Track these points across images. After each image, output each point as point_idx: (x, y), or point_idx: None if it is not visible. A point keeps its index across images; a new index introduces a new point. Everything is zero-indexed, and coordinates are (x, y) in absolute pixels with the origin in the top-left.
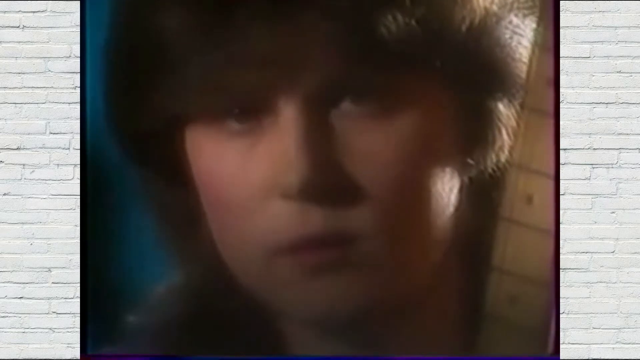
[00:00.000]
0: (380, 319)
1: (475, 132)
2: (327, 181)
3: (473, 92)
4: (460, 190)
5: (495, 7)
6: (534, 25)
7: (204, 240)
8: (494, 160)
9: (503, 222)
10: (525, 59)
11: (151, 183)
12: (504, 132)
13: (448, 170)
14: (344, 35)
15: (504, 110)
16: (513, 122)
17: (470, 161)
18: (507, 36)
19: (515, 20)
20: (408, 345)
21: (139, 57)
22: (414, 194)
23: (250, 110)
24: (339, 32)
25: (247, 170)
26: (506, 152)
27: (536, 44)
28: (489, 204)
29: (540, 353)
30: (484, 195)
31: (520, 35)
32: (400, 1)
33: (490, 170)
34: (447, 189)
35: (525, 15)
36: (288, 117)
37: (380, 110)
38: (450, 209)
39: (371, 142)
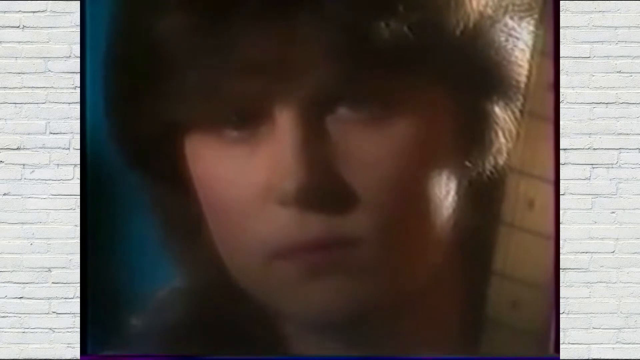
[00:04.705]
0: (376, 322)
1: (472, 134)
2: (324, 187)
3: (469, 95)
4: (462, 195)
5: (490, 10)
6: (532, 28)
7: (206, 241)
8: (492, 163)
9: (504, 227)
10: (523, 62)
11: (152, 186)
12: (500, 134)
13: (446, 173)
14: (339, 42)
15: (501, 113)
16: (510, 125)
17: (469, 164)
18: (503, 39)
19: (511, 22)
20: (407, 348)
21: (136, 64)
22: (411, 198)
23: (247, 117)
24: (334, 39)
25: (245, 177)
26: (504, 155)
27: (536, 49)
28: (490, 209)
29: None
30: (485, 200)
31: (517, 38)
32: (395, 6)
33: (491, 175)
34: (445, 192)
35: (521, 18)
36: (284, 123)
37: (376, 115)
38: (450, 211)
39: (368, 147)
